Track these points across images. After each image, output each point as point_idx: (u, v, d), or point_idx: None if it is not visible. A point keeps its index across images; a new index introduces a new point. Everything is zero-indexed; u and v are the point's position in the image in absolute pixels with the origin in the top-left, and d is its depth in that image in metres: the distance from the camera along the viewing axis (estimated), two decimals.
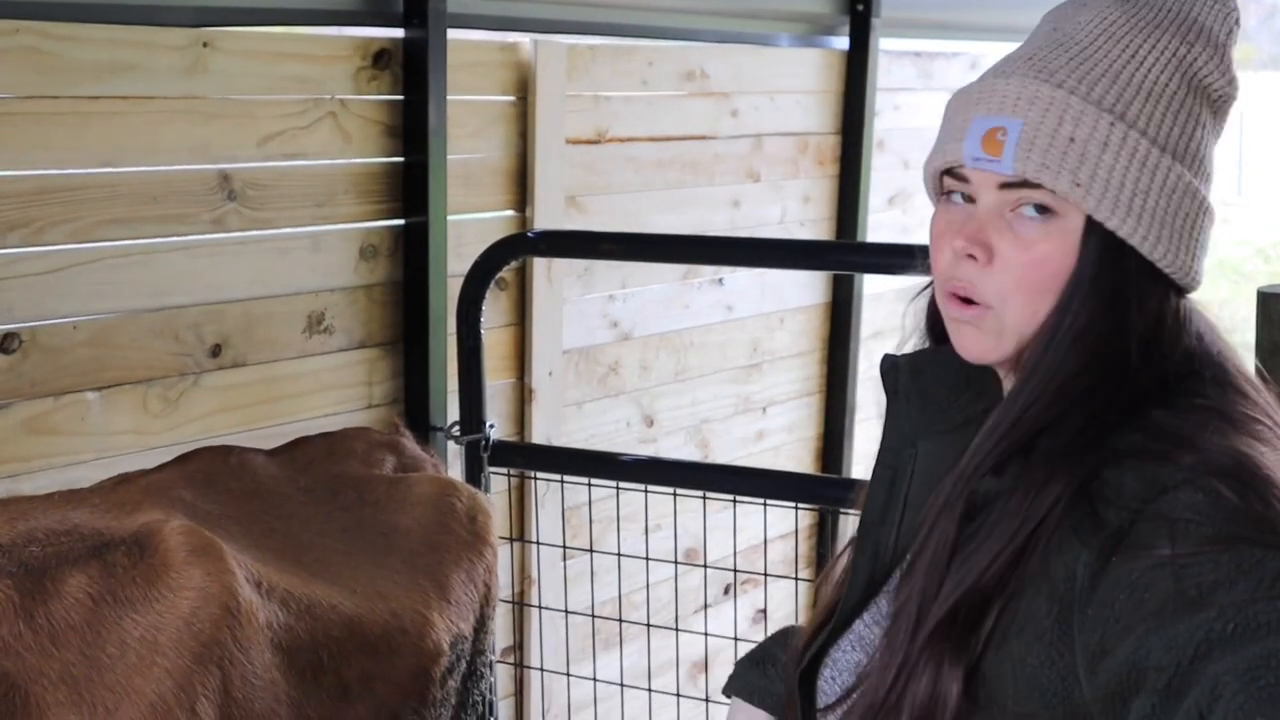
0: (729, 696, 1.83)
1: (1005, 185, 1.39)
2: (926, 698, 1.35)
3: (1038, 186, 1.37)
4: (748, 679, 1.82)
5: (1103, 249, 1.37)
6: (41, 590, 1.93)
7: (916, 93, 4.80)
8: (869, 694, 1.42)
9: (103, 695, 1.89)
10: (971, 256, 1.40)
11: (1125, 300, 1.38)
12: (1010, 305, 1.39)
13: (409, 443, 2.72)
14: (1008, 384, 1.47)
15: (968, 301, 1.42)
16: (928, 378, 1.56)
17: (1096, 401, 1.37)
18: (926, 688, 1.35)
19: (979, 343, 1.43)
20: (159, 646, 1.93)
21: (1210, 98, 1.42)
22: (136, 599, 1.96)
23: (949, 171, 1.45)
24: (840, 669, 1.54)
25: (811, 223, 4.35)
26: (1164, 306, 1.40)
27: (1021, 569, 1.33)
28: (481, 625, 2.46)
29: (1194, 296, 1.45)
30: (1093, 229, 1.37)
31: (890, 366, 1.59)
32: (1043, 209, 1.38)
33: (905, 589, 1.42)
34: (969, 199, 1.44)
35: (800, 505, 2.98)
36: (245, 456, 2.46)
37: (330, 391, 2.93)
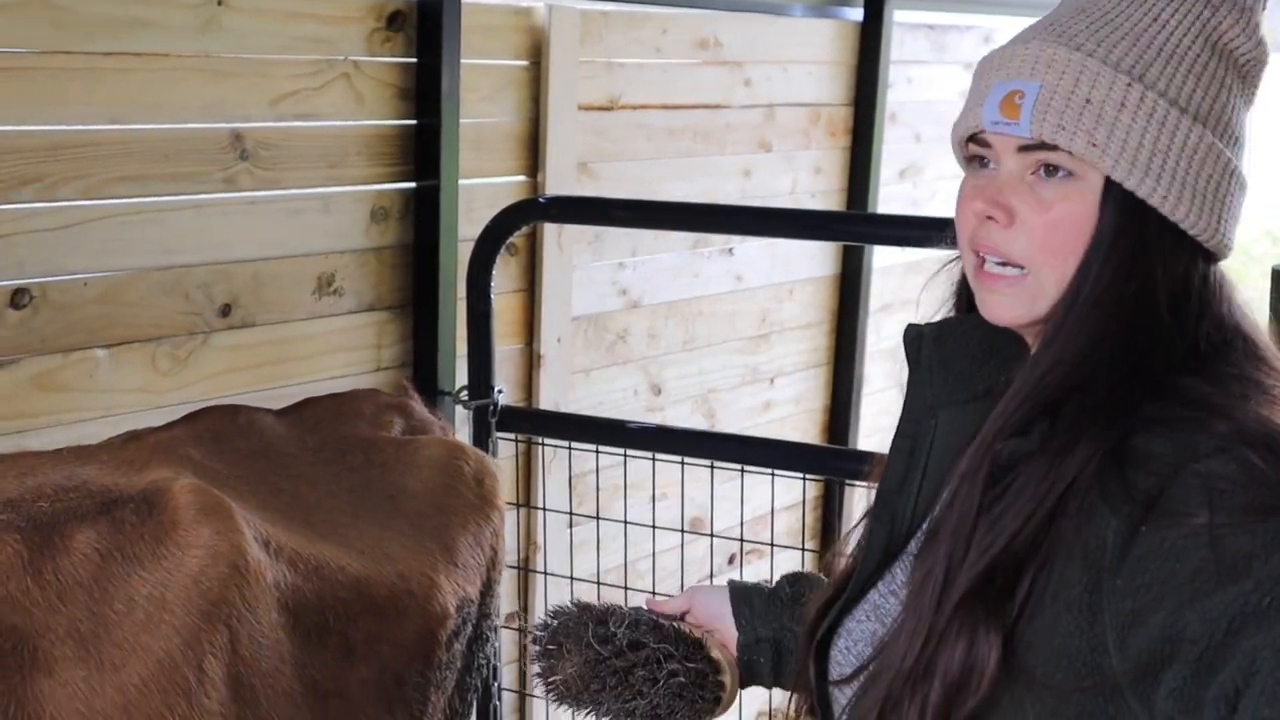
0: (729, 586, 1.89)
1: (1024, 148, 1.40)
2: (961, 664, 1.34)
3: (1055, 148, 1.37)
4: (751, 591, 1.86)
5: (1122, 209, 1.37)
6: (50, 546, 1.93)
7: (929, 65, 4.79)
8: (893, 661, 1.41)
9: (110, 651, 1.89)
10: (991, 218, 1.41)
11: (1149, 261, 1.37)
12: (1041, 266, 1.39)
13: (417, 405, 2.71)
14: (1032, 349, 1.47)
15: (1000, 266, 1.42)
16: (951, 347, 1.56)
17: (1125, 365, 1.36)
18: (961, 654, 1.35)
19: (1012, 307, 1.43)
20: (167, 604, 1.93)
21: (1238, 62, 1.41)
22: (145, 556, 1.96)
23: (973, 138, 1.45)
24: (855, 639, 1.54)
25: (822, 194, 4.34)
26: (1191, 270, 1.40)
27: (1053, 534, 1.32)
28: (488, 589, 2.46)
29: None
30: (1111, 189, 1.37)
31: (914, 336, 1.58)
32: (1060, 170, 1.38)
33: (929, 555, 1.41)
34: (992, 164, 1.44)
35: (808, 476, 2.98)
36: (254, 416, 2.46)
37: (339, 354, 2.93)
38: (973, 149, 1.46)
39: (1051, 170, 1.39)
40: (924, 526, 1.53)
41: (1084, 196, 1.38)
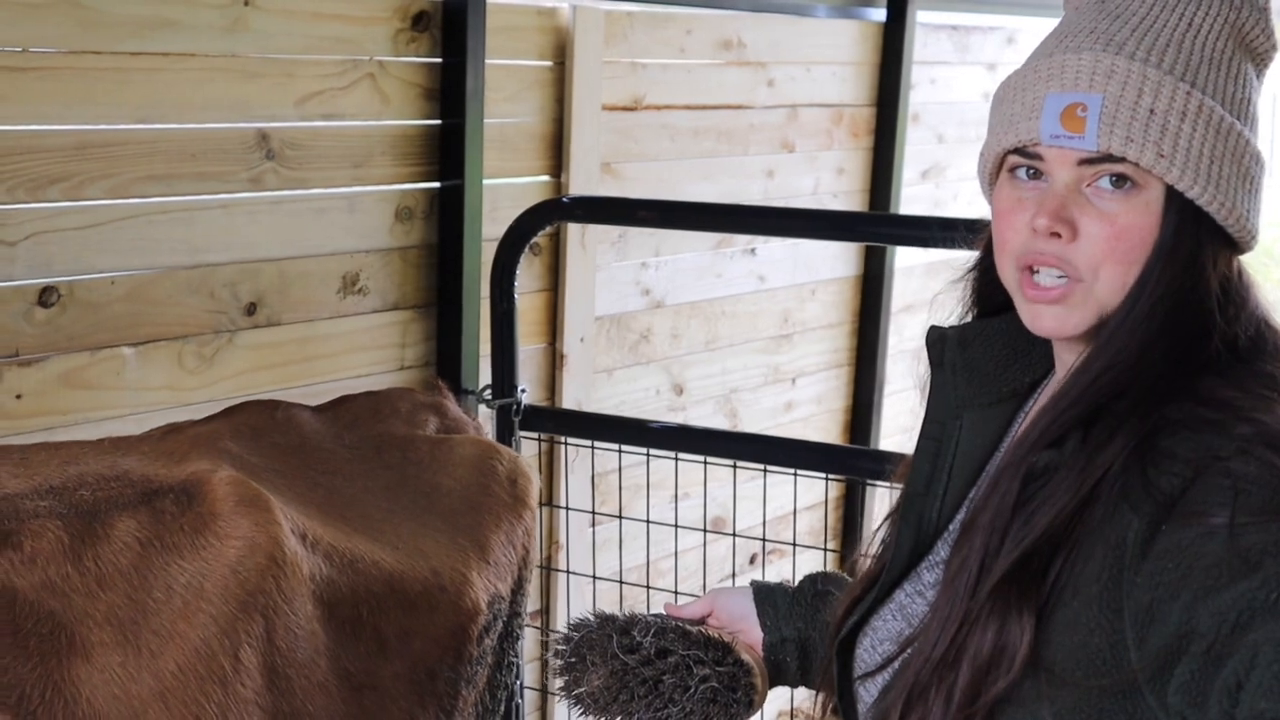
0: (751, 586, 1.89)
1: (1085, 161, 1.38)
2: (992, 647, 1.35)
3: (1120, 160, 1.37)
4: (774, 592, 1.86)
5: (1181, 216, 1.37)
6: (91, 533, 1.94)
7: (952, 66, 4.79)
8: (923, 650, 1.42)
9: (148, 638, 1.90)
10: (1056, 234, 1.39)
11: (1202, 265, 1.38)
12: (1100, 278, 1.39)
13: (451, 405, 2.72)
14: (1067, 355, 1.47)
15: (1057, 278, 1.40)
16: (975, 350, 1.56)
17: (1168, 365, 1.37)
18: (992, 638, 1.35)
19: (1064, 319, 1.42)
20: (205, 593, 1.94)
21: (1254, 55, 1.43)
22: (184, 546, 1.97)
23: (1019, 150, 1.43)
24: (881, 637, 1.54)
25: (844, 194, 4.34)
26: (1231, 268, 1.41)
27: (1084, 524, 1.33)
28: (519, 587, 2.47)
29: None
30: (1173, 198, 1.37)
31: (937, 338, 1.58)
32: (1122, 181, 1.37)
33: (963, 547, 1.42)
34: (1036, 175, 1.43)
35: (830, 476, 2.98)
36: (291, 412, 2.48)
37: (363, 352, 2.94)
38: (1016, 160, 1.44)
39: (1117, 180, 1.38)
40: (951, 526, 1.53)
41: (1148, 207, 1.37)
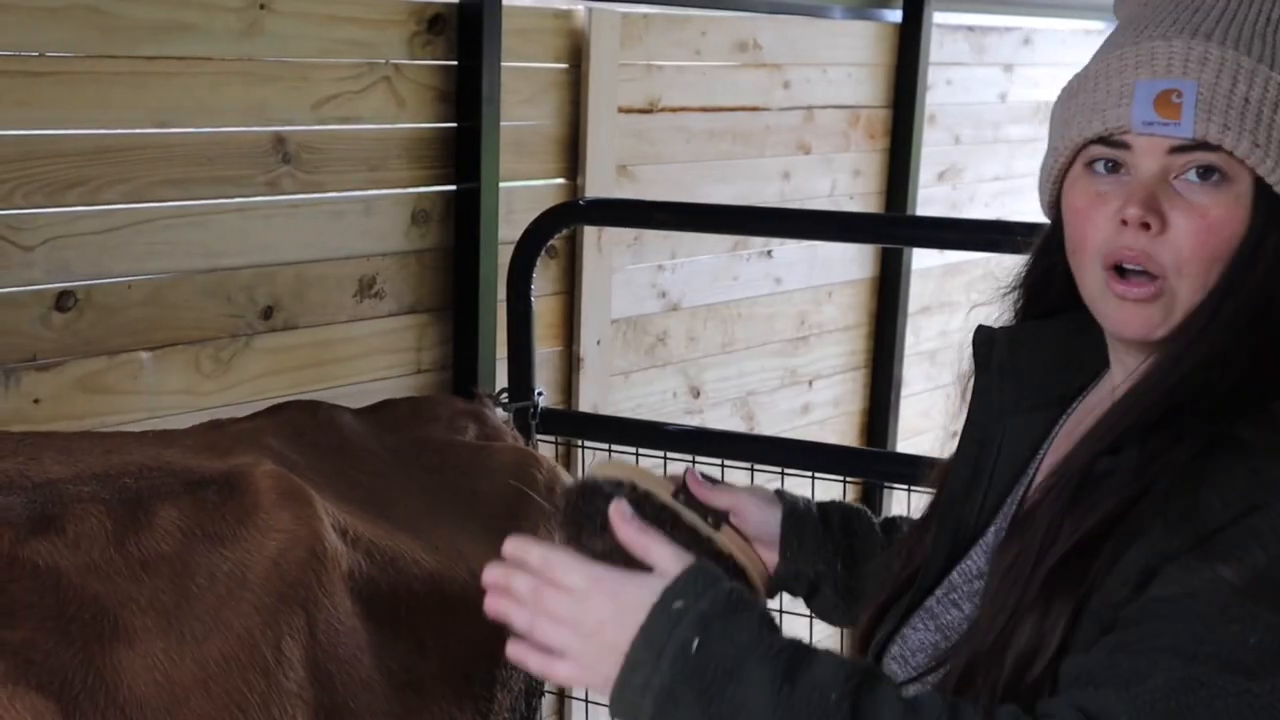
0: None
1: (1177, 149, 1.34)
2: (1031, 639, 1.32)
3: (1214, 149, 1.32)
4: (797, 507, 1.77)
5: (1271, 211, 1.33)
6: (134, 520, 1.94)
7: (969, 67, 4.77)
8: (972, 644, 1.38)
9: (192, 625, 1.89)
10: (1146, 225, 1.34)
11: None
12: (1184, 275, 1.34)
13: (491, 413, 2.73)
14: (1130, 358, 1.42)
15: (1141, 276, 1.36)
16: (1025, 353, 1.52)
17: (1246, 377, 1.32)
18: (1032, 629, 1.32)
19: (1148, 319, 1.37)
20: (247, 583, 1.94)
21: None
22: (226, 536, 1.97)
23: (1104, 140, 1.38)
24: (913, 648, 1.51)
25: (861, 196, 4.33)
26: None
27: (1126, 528, 1.30)
28: None
29: None
30: (1262, 191, 1.33)
31: (984, 338, 1.54)
32: (1210, 172, 1.33)
33: (1015, 543, 1.39)
34: (1114, 169, 1.39)
35: (848, 479, 2.97)
36: (333, 413, 2.48)
37: (380, 356, 2.94)
38: (1098, 152, 1.40)
39: (1205, 173, 1.34)
40: (988, 533, 1.50)
41: (1238, 200, 1.33)
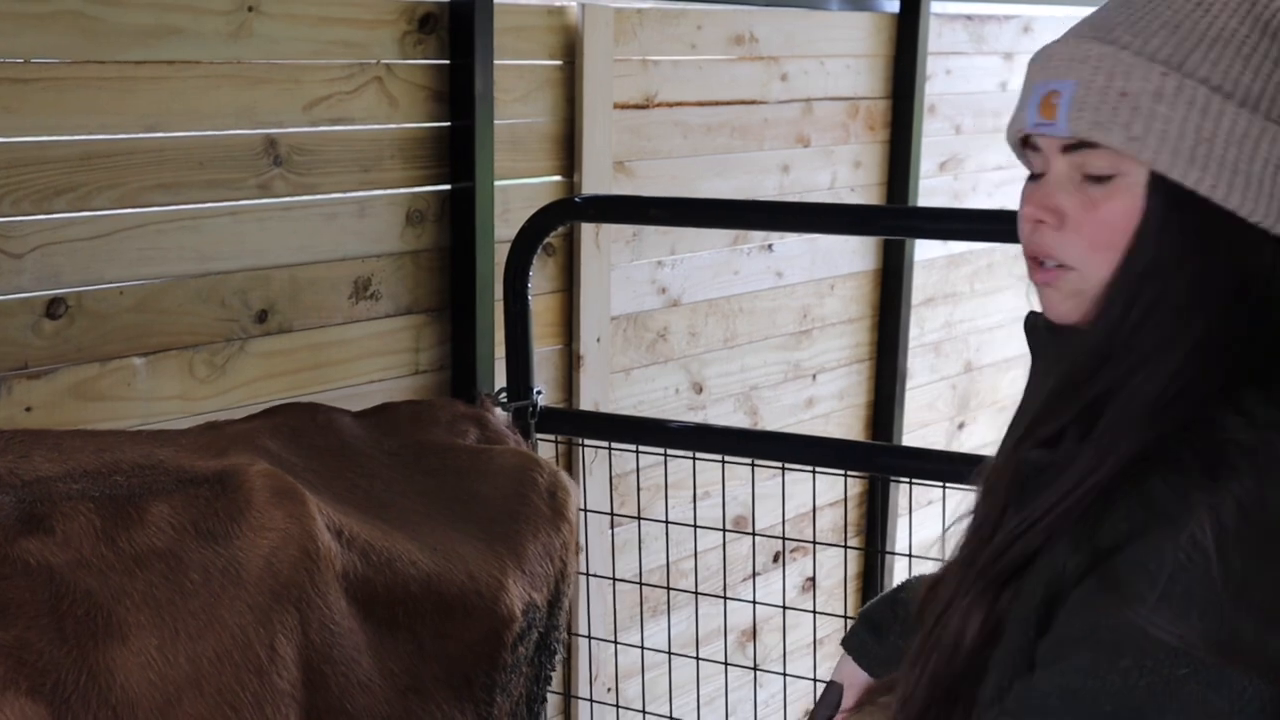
0: (845, 650, 1.90)
1: (1066, 148, 1.39)
2: (953, 634, 1.38)
3: (1095, 146, 1.35)
4: (863, 638, 1.86)
5: (1169, 201, 1.34)
6: (125, 516, 1.94)
7: (968, 56, 4.75)
8: (921, 639, 1.46)
9: (186, 621, 1.89)
10: (1042, 222, 1.41)
11: (1201, 252, 1.34)
12: (1090, 264, 1.38)
13: (493, 417, 2.72)
14: None
15: (1057, 266, 1.41)
16: (1068, 339, 1.51)
17: (1173, 366, 1.33)
18: (956, 624, 1.38)
19: (1059, 303, 1.43)
20: (240, 580, 1.94)
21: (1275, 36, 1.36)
22: (219, 533, 1.97)
23: (1025, 142, 1.45)
24: None
25: (862, 188, 4.31)
26: (1256, 259, 1.34)
27: (1055, 521, 1.34)
28: (556, 600, 2.46)
29: None
30: (1158, 182, 1.34)
31: (1030, 326, 1.56)
32: (1098, 165, 1.37)
33: (969, 538, 1.45)
34: (1044, 170, 1.43)
35: (849, 473, 2.96)
36: (332, 415, 2.48)
37: (376, 358, 2.92)
38: (1028, 153, 1.46)
39: (1095, 168, 1.37)
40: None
41: (1130, 191, 1.35)
